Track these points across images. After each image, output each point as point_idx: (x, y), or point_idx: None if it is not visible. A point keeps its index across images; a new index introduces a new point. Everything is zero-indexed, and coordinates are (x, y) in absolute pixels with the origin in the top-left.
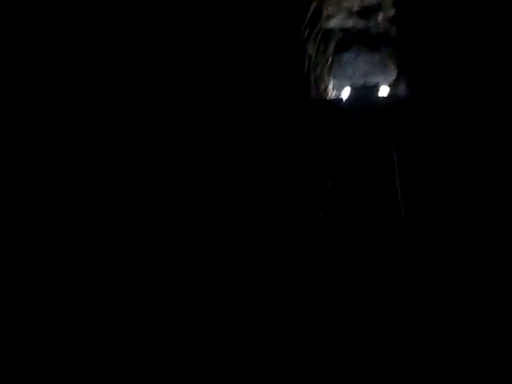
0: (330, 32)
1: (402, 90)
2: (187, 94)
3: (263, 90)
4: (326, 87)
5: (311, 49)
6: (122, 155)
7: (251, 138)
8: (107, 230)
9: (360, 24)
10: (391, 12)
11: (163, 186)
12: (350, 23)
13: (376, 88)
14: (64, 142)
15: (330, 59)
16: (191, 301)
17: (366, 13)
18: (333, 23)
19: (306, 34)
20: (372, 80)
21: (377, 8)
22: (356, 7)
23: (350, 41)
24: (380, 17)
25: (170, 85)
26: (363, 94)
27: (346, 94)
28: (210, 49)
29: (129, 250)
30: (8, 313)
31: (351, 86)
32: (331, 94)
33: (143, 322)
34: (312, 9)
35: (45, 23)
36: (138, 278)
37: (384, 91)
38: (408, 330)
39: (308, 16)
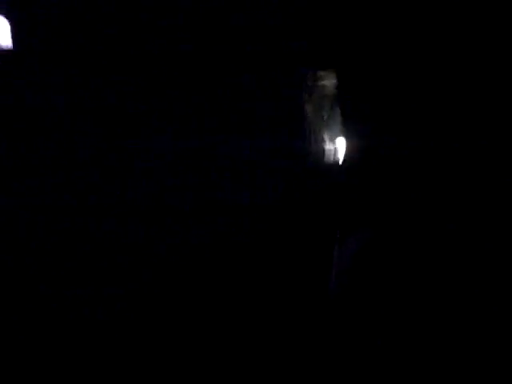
0: (323, 89)
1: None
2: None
3: (271, 145)
4: (322, 138)
5: (310, 108)
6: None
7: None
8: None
9: None
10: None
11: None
12: None
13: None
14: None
15: (325, 114)
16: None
17: None
18: (327, 82)
19: (305, 96)
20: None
21: None
22: None
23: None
24: None
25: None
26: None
27: (339, 144)
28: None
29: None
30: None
31: (343, 136)
32: (326, 144)
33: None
34: (310, 75)
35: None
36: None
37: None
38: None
39: (308, 82)
